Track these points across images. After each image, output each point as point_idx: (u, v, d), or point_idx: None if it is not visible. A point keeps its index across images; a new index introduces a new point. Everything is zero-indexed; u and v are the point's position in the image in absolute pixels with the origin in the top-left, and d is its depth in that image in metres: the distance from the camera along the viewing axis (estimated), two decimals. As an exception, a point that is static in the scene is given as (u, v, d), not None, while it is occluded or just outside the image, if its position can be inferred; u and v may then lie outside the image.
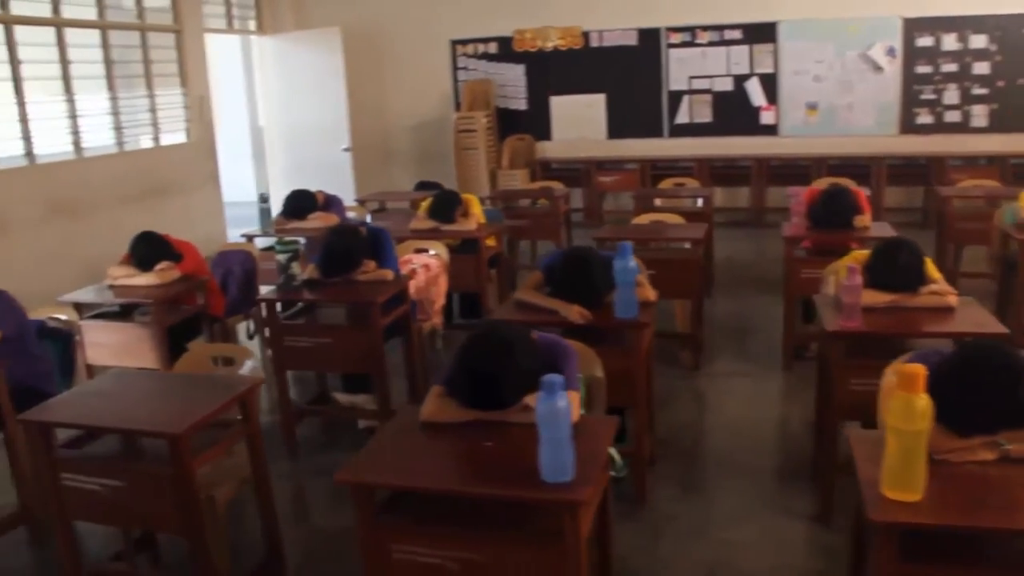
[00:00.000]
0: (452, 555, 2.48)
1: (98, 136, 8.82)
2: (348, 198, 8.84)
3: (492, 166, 10.80)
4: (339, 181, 10.10)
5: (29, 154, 7.94)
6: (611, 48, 10.77)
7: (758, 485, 4.29)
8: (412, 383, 4.91)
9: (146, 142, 9.47)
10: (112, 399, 3.27)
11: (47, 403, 3.26)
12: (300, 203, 6.72)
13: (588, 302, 3.95)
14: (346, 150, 10.66)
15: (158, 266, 5.10)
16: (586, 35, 10.82)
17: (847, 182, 6.43)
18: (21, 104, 7.85)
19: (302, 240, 5.99)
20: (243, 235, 6.66)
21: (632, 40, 10.69)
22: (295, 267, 4.60)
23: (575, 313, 3.87)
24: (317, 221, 6.60)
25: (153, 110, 9.43)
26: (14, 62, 7.80)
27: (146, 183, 9.15)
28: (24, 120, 7.88)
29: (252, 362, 3.57)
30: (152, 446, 3.20)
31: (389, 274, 4.73)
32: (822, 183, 7.64)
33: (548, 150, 11.13)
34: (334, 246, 4.68)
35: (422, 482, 2.51)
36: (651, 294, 4.06)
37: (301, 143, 11.04)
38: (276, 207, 7.12)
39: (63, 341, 4.45)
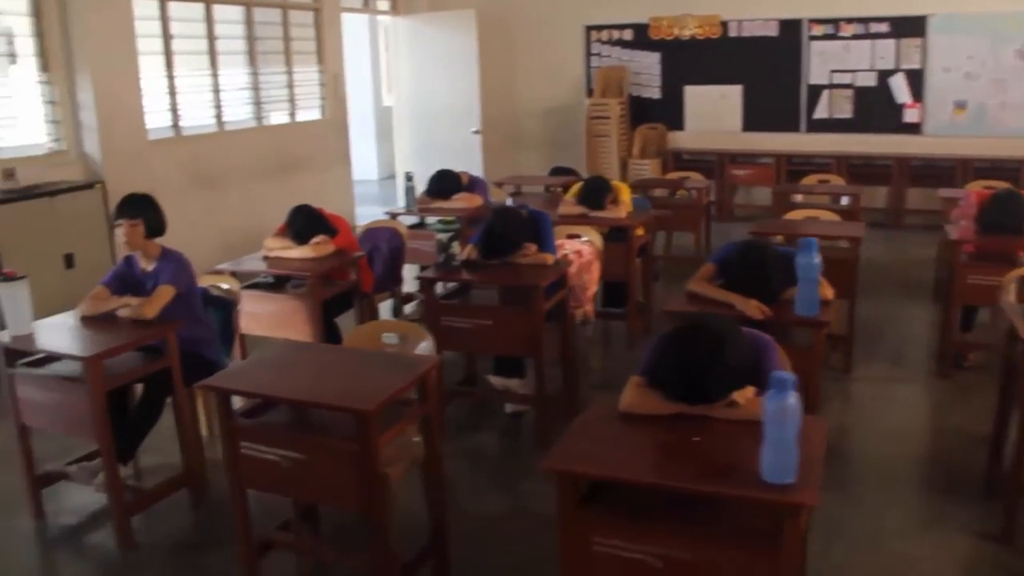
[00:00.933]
0: (657, 551, 2.39)
1: (238, 111, 8.97)
2: (481, 181, 8.82)
3: (623, 154, 10.65)
4: (468, 163, 10.02)
5: (175, 126, 8.13)
6: (750, 39, 10.49)
7: (925, 497, 4.10)
8: (566, 370, 4.82)
9: (282, 118, 9.59)
10: (291, 371, 3.26)
11: (227, 371, 3.28)
12: (445, 183, 6.70)
13: (763, 297, 3.81)
14: (476, 132, 10.62)
15: (314, 240, 5.13)
16: (725, 24, 10.56)
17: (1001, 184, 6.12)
18: (170, 77, 8.03)
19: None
20: (387, 212, 6.67)
21: (772, 31, 10.39)
22: (455, 247, 4.55)
23: (754, 308, 3.73)
24: (461, 202, 6.58)
25: (290, 86, 9.55)
26: (166, 37, 7.97)
27: (281, 158, 9.28)
28: (172, 93, 8.05)
29: (426, 342, 3.52)
30: (323, 419, 3.19)
31: (550, 258, 4.66)
32: (976, 186, 7.34)
33: (680, 140, 10.92)
34: (495, 227, 4.63)
35: (632, 474, 2.41)
36: (829, 292, 3.90)
37: (430, 124, 11.04)
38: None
39: (225, 310, 4.51)
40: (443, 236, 4.58)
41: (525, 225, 4.71)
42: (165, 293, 3.96)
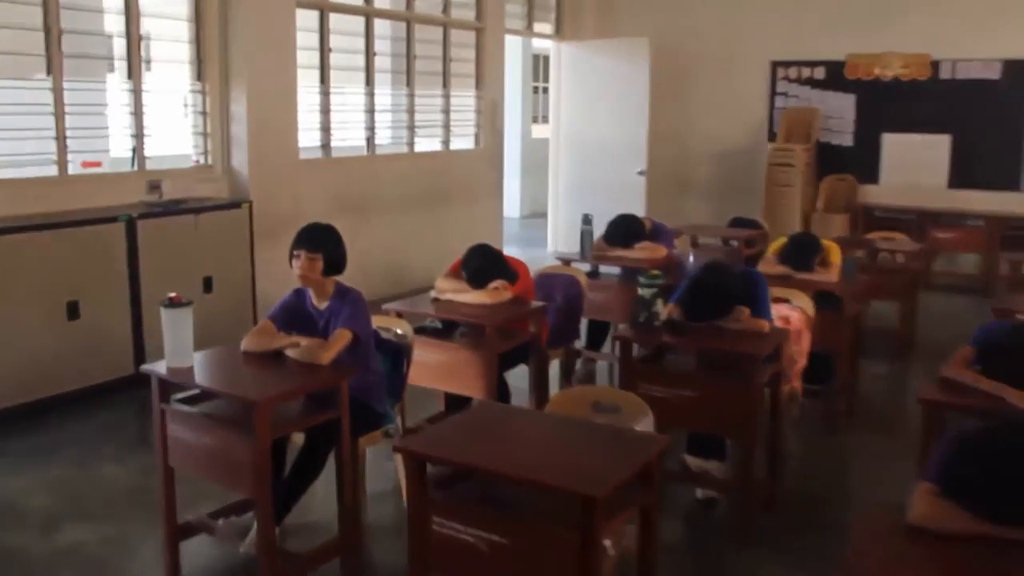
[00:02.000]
0: None
1: (390, 133, 9.03)
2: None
3: (806, 208, 10.30)
4: (629, 207, 9.77)
5: (326, 146, 8.21)
6: (965, 81, 10.01)
7: None
8: (772, 456, 4.54)
9: (434, 145, 9.63)
10: (496, 438, 3.12)
11: (423, 434, 3.13)
12: (627, 229, 6.53)
13: (1038, 390, 3.47)
14: (640, 173, 10.46)
15: (492, 284, 5.00)
16: (935, 65, 10.12)
17: None
18: (325, 94, 8.11)
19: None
20: (559, 258, 6.53)
21: (994, 73, 9.88)
22: (659, 305, 4.35)
23: (1032, 404, 3.40)
24: (643, 252, 6.39)
25: (446, 111, 9.57)
26: (324, 50, 8.06)
27: (430, 188, 9.31)
28: (326, 111, 8.13)
29: (648, 418, 3.31)
30: (522, 498, 3.00)
31: (766, 325, 4.42)
32: None
33: (872, 195, 10.47)
34: (705, 286, 4.42)
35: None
36: (1122, 391, 3.52)
37: (589, 161, 10.95)
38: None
39: (394, 355, 4.40)
40: (646, 292, 4.36)
41: (738, 285, 4.48)
42: (342, 338, 3.87)
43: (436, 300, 5.11)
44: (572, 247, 8.83)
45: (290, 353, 3.87)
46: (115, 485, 4.83)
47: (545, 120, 15.54)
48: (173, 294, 3.84)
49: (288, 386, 3.64)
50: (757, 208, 10.31)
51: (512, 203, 14.48)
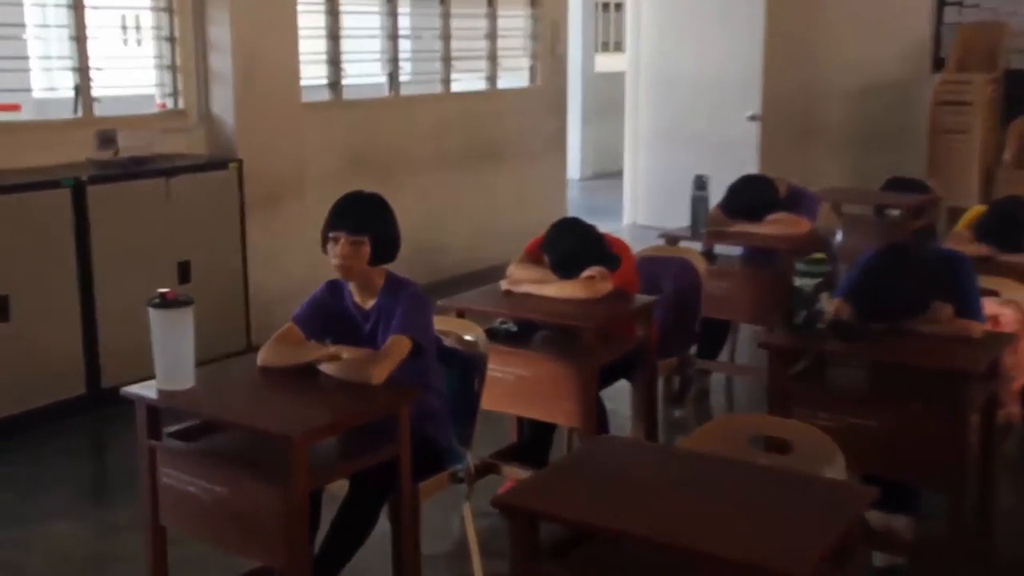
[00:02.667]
0: None
1: (418, 67, 9.02)
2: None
3: (988, 161, 10.14)
4: (734, 163, 9.71)
5: (335, 85, 8.18)
6: None
7: None
8: (986, 508, 4.45)
9: (477, 82, 9.63)
10: (629, 486, 3.05)
11: (527, 481, 3.06)
12: (754, 195, 6.47)
13: None
14: (752, 118, 10.39)
15: (586, 272, 4.94)
16: None
17: None
18: (334, 14, 8.09)
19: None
20: (662, 235, 6.50)
21: None
22: (824, 300, 4.26)
23: None
24: (777, 226, 6.33)
25: (492, 37, 9.53)
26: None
27: (472, 139, 9.38)
28: (335, 38, 8.09)
29: (838, 460, 3.22)
30: (657, 565, 2.96)
31: (977, 327, 4.35)
32: None
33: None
34: (888, 274, 4.34)
35: None
36: None
37: (680, 103, 11.01)
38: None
39: (462, 370, 4.37)
40: (806, 283, 4.28)
41: (932, 272, 4.40)
42: (399, 347, 3.86)
43: (509, 293, 5.08)
44: (660, 218, 8.83)
45: (327, 369, 3.87)
46: (66, 550, 4.80)
47: (612, 48, 15.54)
48: (166, 289, 3.82)
49: (331, 415, 3.65)
50: (916, 164, 10.16)
51: (571, 160, 14.49)
